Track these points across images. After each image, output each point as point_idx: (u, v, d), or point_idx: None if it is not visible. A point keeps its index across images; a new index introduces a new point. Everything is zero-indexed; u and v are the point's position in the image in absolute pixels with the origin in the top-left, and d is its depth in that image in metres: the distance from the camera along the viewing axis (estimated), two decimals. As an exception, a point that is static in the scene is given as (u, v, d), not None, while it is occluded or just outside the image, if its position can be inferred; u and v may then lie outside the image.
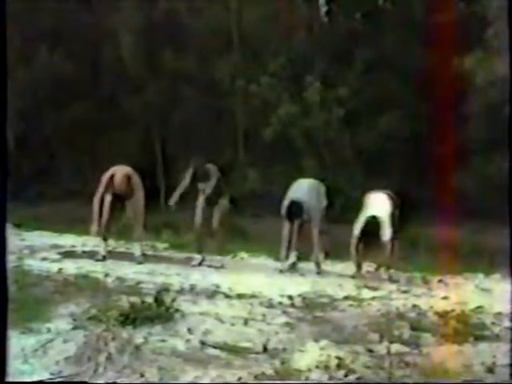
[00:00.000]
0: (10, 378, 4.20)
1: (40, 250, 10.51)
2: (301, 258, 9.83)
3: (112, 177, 9.70)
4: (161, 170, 23.39)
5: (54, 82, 23.63)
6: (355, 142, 19.02)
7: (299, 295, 7.31)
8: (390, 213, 9.20)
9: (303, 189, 9.71)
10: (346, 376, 4.27)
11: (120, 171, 9.78)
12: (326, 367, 4.40)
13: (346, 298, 7.41)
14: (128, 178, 9.74)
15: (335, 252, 10.41)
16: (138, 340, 4.82)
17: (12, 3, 18.57)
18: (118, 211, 10.04)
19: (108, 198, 9.76)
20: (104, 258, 9.81)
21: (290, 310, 6.55)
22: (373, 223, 9.09)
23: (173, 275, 8.61)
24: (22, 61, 22.78)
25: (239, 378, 4.16)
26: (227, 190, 10.35)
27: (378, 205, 9.24)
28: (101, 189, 9.71)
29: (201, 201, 10.02)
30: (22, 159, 23.65)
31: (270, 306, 6.71)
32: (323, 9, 22.98)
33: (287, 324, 5.82)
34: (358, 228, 9.18)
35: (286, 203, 9.51)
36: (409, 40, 19.24)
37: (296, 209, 9.42)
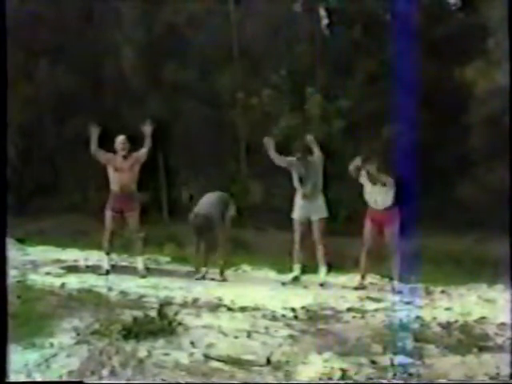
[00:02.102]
0: None
1: (43, 265, 10.50)
2: (305, 270, 9.81)
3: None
4: (163, 183, 23.42)
5: (56, 96, 23.72)
6: (357, 154, 19.03)
7: (302, 307, 7.30)
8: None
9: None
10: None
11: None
12: (330, 379, 4.40)
13: (350, 309, 7.41)
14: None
15: (338, 264, 10.41)
16: (142, 354, 4.82)
17: (14, 17, 18.70)
18: (120, 226, 10.12)
19: (109, 215, 9.85)
20: (107, 272, 9.83)
21: (293, 322, 6.54)
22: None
23: (176, 289, 8.62)
24: (24, 75, 22.88)
25: (243, 391, 4.16)
26: (232, 199, 10.37)
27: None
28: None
29: None
30: (25, 174, 23.72)
31: (273, 318, 6.70)
32: (324, 21, 23.09)
33: (290, 336, 5.81)
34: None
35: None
36: (410, 51, 19.29)
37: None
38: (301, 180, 9.66)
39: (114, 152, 10.01)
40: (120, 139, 10.09)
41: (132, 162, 9.95)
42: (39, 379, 4.47)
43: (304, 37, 22.18)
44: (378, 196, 9.19)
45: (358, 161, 9.37)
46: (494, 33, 16.62)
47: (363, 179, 9.35)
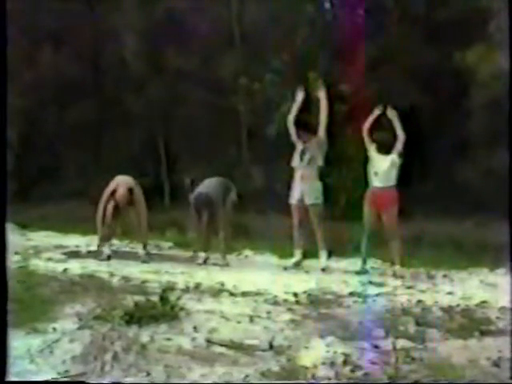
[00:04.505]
0: (16, 378, 4.22)
1: (45, 251, 10.54)
2: (306, 255, 9.83)
3: (114, 191, 9.77)
4: (164, 169, 23.43)
5: (58, 81, 23.68)
6: (358, 139, 19.00)
7: (304, 292, 7.31)
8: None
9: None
10: (352, 372, 4.28)
11: (122, 185, 9.83)
12: (333, 364, 4.41)
13: (351, 294, 7.42)
14: (130, 191, 9.81)
15: (339, 249, 10.42)
16: (144, 339, 4.82)
17: (16, 3, 18.66)
18: (123, 215, 10.15)
19: (111, 206, 9.85)
20: (109, 258, 9.86)
21: (295, 307, 6.55)
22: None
23: (178, 274, 8.64)
24: (26, 61, 22.84)
25: (246, 376, 4.16)
26: (234, 184, 10.39)
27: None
28: (102, 202, 9.82)
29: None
30: (27, 160, 23.73)
31: (275, 303, 6.71)
32: (326, 5, 22.99)
33: (292, 321, 5.82)
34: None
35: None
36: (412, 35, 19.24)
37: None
38: (301, 159, 9.65)
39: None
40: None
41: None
42: (42, 364, 4.48)
43: (306, 22, 22.08)
44: (382, 169, 9.18)
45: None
46: (495, 16, 16.54)
47: (371, 150, 9.38)
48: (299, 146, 9.68)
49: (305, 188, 9.53)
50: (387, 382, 4.09)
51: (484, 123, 16.89)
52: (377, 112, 9.63)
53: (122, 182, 9.90)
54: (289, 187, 9.86)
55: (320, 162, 9.62)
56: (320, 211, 9.55)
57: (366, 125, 9.57)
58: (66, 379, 4.20)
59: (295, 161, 9.70)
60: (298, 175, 9.64)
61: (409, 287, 8.08)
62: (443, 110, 18.69)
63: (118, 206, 9.83)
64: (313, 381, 4.16)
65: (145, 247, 10.05)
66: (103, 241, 9.99)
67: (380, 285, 8.17)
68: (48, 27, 23.79)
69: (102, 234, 9.92)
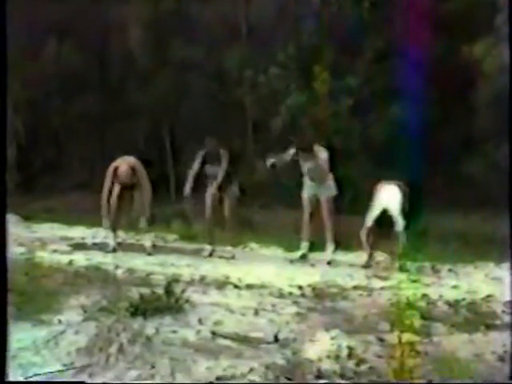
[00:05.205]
0: (22, 370, 4.22)
1: (50, 242, 10.54)
2: (312, 248, 9.82)
3: (116, 169, 9.72)
4: (170, 161, 23.42)
5: (63, 74, 23.67)
6: (365, 132, 18.98)
7: (309, 285, 7.31)
8: (401, 203, 9.19)
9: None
10: (357, 365, 4.27)
11: (124, 163, 9.78)
12: (337, 357, 4.40)
13: (356, 287, 7.41)
14: (132, 169, 9.75)
15: (345, 242, 10.40)
16: (149, 331, 4.82)
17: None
18: (128, 202, 10.08)
19: (116, 190, 9.80)
20: (114, 250, 9.85)
21: (301, 300, 6.55)
22: (385, 214, 9.10)
23: (183, 266, 8.63)
24: (30, 54, 22.83)
25: (251, 369, 4.16)
26: (237, 176, 10.35)
27: (390, 196, 9.22)
28: (107, 183, 9.76)
29: (211, 189, 9.98)
30: (32, 152, 23.74)
31: (280, 296, 6.71)
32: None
33: (298, 314, 5.82)
34: (370, 219, 9.19)
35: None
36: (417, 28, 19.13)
37: None
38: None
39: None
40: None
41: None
42: (48, 356, 4.48)
43: (311, 14, 22.02)
44: None
45: None
46: (502, 9, 16.47)
47: None
48: (303, 159, 9.68)
49: (317, 185, 9.56)
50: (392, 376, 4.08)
51: (491, 117, 16.83)
52: None
53: (123, 161, 9.86)
54: (294, 180, 9.85)
55: (326, 170, 9.64)
56: (332, 203, 9.59)
57: None
58: (66, 379, 4.19)
59: (303, 171, 9.74)
60: (307, 178, 9.67)
61: (414, 281, 8.06)
62: (450, 103, 18.63)
63: (124, 188, 9.77)
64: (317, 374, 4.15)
65: (148, 224, 9.96)
66: (108, 219, 9.85)
67: (385, 278, 8.16)
68: (53, 19, 23.75)
69: (107, 215, 9.78)
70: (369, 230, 9.21)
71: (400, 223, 9.14)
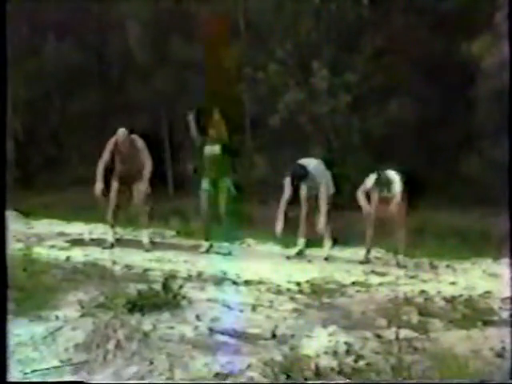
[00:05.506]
0: (19, 366, 4.23)
1: (48, 238, 10.53)
2: (309, 244, 9.83)
3: (116, 141, 9.77)
4: (168, 158, 23.40)
5: (63, 71, 23.64)
6: (363, 128, 18.98)
7: (307, 281, 7.31)
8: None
9: (311, 161, 9.84)
10: (355, 362, 4.27)
11: (123, 134, 9.81)
12: (335, 353, 4.40)
13: (354, 283, 7.42)
14: (131, 140, 9.78)
15: (343, 238, 10.41)
16: (147, 327, 4.82)
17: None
18: (126, 198, 10.07)
19: (114, 186, 9.80)
20: (112, 246, 9.84)
21: (298, 296, 6.55)
22: (384, 182, 9.16)
23: (180, 262, 8.63)
24: (30, 50, 22.82)
25: (249, 365, 4.16)
26: (233, 173, 10.38)
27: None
28: (105, 152, 9.76)
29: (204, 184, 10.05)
30: (31, 148, 23.72)
31: (278, 292, 6.71)
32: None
33: (295, 310, 5.82)
34: (369, 181, 9.27)
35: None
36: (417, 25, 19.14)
37: (300, 171, 9.47)
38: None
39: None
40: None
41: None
42: (45, 352, 4.48)
43: (310, 10, 21.99)
44: None
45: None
46: (501, 6, 16.45)
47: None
48: None
49: (316, 178, 9.58)
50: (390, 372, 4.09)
51: (490, 114, 16.82)
52: None
53: (122, 133, 9.89)
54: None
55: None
56: (331, 200, 9.60)
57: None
58: (64, 375, 4.19)
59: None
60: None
61: (412, 277, 8.08)
62: (449, 100, 18.62)
63: (122, 183, 9.76)
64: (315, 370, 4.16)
65: (146, 194, 9.88)
66: (99, 189, 9.52)
67: (383, 274, 8.18)
68: (52, 16, 23.71)
69: (100, 180, 9.56)
70: (367, 192, 9.28)
71: (398, 185, 9.14)
